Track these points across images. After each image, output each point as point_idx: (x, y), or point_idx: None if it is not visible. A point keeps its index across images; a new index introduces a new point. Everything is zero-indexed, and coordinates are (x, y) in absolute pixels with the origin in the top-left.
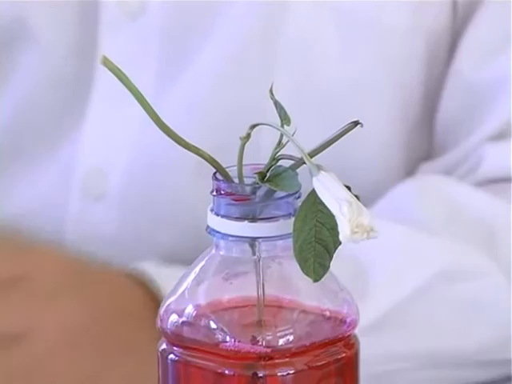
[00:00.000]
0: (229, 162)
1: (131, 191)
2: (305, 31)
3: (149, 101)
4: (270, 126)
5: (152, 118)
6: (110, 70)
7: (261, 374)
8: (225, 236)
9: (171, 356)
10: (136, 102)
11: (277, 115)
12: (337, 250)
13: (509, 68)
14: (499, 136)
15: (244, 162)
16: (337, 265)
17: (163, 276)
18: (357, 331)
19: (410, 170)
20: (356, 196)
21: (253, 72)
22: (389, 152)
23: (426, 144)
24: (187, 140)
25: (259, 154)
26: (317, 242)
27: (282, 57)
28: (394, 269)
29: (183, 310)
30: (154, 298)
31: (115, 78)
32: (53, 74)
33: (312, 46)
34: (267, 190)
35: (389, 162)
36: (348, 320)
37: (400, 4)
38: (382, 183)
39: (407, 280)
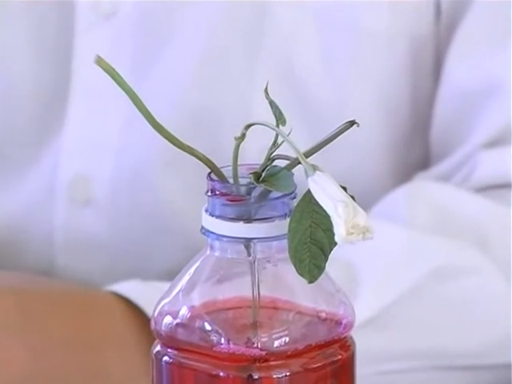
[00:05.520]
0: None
1: (119, 195)
2: (286, 31)
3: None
4: (265, 125)
5: (147, 119)
6: (105, 69)
7: (256, 377)
8: (219, 237)
9: (165, 358)
10: (115, 105)
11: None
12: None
13: (499, 73)
14: (494, 143)
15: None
16: (329, 267)
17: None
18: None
19: (398, 181)
20: (352, 197)
21: (233, 69)
22: (374, 161)
23: (416, 154)
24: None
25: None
26: (312, 242)
27: (263, 55)
28: (387, 269)
29: (177, 312)
30: (137, 317)
31: (94, 79)
32: (30, 80)
33: (293, 46)
34: (262, 191)
35: (374, 172)
36: (344, 322)
37: (376, 6)
38: (368, 193)
39: (400, 280)
